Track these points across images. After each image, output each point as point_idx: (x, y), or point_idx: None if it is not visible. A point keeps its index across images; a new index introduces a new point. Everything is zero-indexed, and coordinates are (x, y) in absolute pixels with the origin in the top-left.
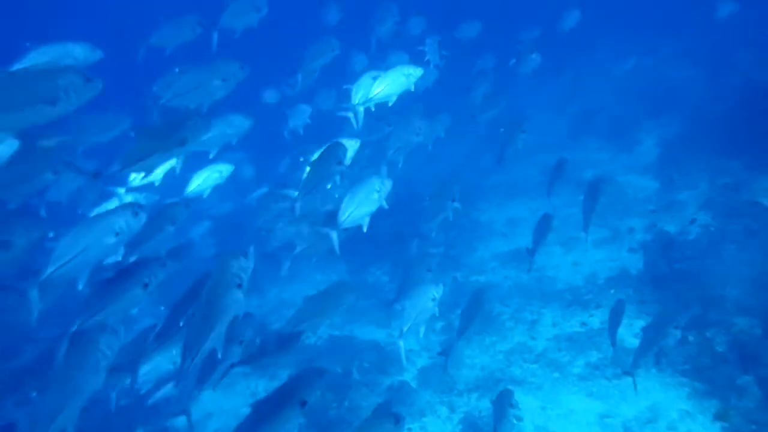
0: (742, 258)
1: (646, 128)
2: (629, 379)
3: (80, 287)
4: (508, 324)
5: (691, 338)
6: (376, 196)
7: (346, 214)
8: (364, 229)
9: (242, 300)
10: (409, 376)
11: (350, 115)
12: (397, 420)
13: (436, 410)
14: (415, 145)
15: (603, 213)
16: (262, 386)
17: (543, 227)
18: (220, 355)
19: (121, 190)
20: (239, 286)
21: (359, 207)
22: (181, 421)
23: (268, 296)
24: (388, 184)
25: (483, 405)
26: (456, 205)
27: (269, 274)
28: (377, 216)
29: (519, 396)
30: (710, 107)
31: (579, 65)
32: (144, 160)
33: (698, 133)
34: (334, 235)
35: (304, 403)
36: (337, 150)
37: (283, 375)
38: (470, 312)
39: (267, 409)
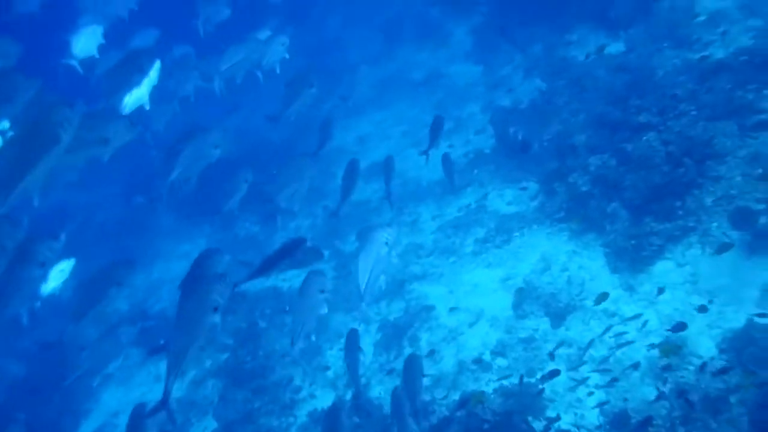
0: (573, 106)
1: (454, 20)
2: (517, 241)
3: None
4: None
5: (558, 188)
6: (386, 250)
7: (367, 289)
8: (383, 287)
9: (218, 323)
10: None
11: None
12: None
13: (348, 326)
14: None
15: (441, 106)
16: (163, 368)
17: (436, 128)
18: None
19: None
20: (216, 309)
21: (375, 276)
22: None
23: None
24: (394, 232)
25: (394, 308)
26: (313, 90)
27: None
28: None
29: (425, 288)
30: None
31: None
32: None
33: (501, 13)
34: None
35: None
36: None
37: None
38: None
39: None
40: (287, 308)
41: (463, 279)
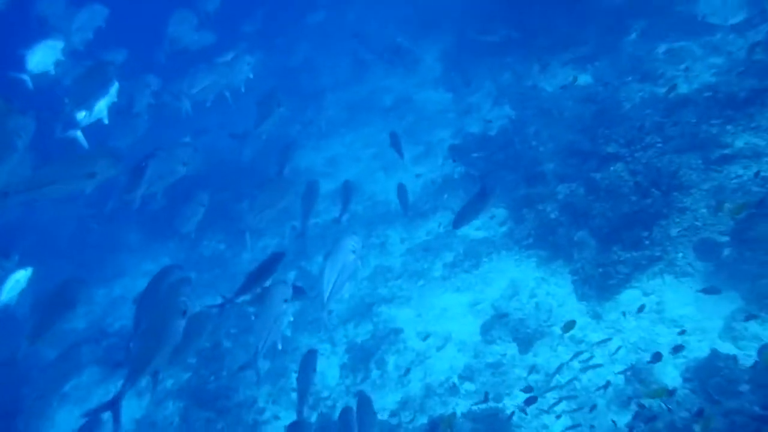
0: (542, 135)
1: (423, 47)
2: (486, 266)
3: None
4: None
5: (526, 215)
6: (352, 258)
7: (331, 295)
8: (346, 295)
9: (183, 326)
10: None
11: None
12: None
13: (318, 348)
14: None
15: (411, 131)
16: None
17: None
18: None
19: None
20: (184, 313)
21: (340, 283)
22: None
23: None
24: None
25: (362, 330)
26: (282, 109)
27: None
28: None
29: (393, 311)
30: (470, 17)
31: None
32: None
33: (469, 42)
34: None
35: None
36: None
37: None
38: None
39: None
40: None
41: (432, 303)
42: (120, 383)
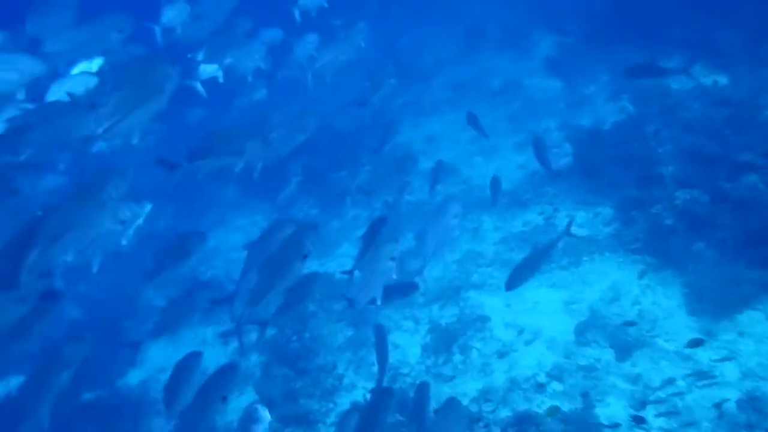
0: (663, 135)
1: (540, 32)
2: (586, 266)
3: None
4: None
5: (637, 217)
6: (454, 223)
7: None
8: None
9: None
10: None
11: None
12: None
13: (401, 325)
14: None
15: (516, 118)
16: (210, 333)
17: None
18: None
19: None
20: (305, 257)
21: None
22: (133, 378)
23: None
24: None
25: (447, 313)
26: (392, 81)
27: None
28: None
29: (482, 298)
30: (595, 5)
31: None
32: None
33: (590, 31)
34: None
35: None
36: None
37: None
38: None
39: None
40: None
41: (523, 295)
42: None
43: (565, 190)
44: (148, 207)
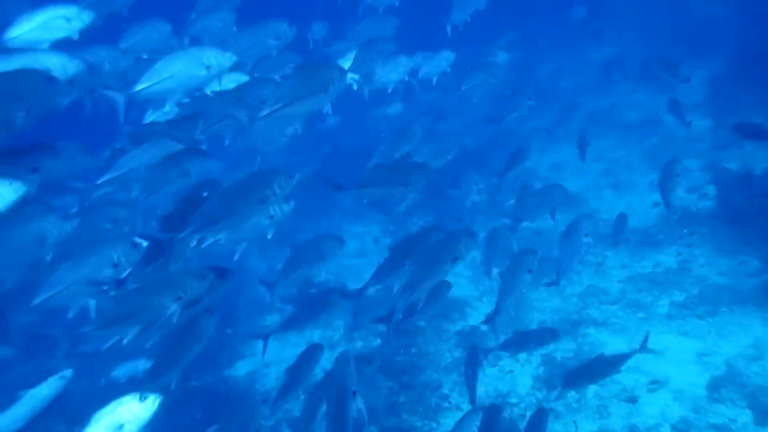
0: None
1: (685, 67)
2: (724, 317)
3: None
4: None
5: None
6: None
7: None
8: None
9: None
10: (476, 320)
11: None
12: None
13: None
14: None
15: (653, 154)
16: (317, 336)
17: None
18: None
19: None
20: (455, 260)
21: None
22: (240, 369)
23: None
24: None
25: (563, 347)
26: (531, 102)
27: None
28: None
29: (603, 336)
30: (754, 45)
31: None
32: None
33: (743, 71)
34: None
35: None
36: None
37: (339, 324)
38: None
39: None
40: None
41: (650, 339)
42: None
43: (704, 234)
44: (292, 205)
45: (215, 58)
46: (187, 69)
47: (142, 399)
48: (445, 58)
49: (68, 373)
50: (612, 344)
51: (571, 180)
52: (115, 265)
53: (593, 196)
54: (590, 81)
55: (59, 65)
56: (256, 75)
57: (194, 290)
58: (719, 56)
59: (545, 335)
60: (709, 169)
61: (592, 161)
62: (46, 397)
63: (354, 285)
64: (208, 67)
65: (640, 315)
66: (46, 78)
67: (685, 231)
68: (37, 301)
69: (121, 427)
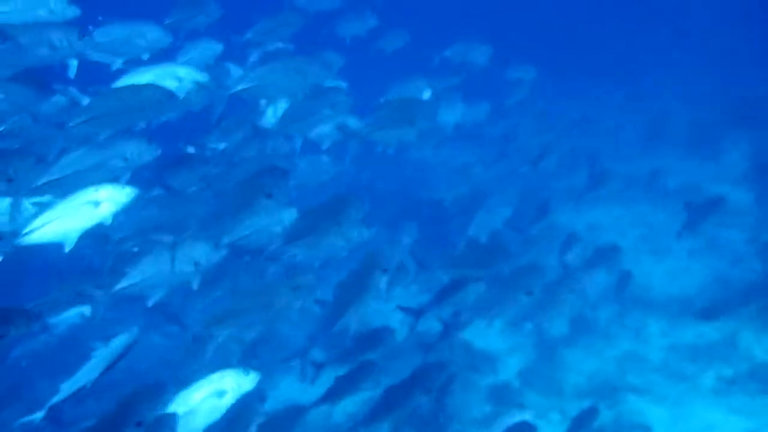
0: None
1: (731, 138)
2: None
3: None
4: (611, 330)
5: None
6: None
7: None
8: None
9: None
10: (507, 375)
11: None
12: None
13: (545, 414)
14: None
15: (695, 223)
16: None
17: None
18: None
19: None
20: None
21: None
22: None
23: None
24: None
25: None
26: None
27: None
28: None
29: (643, 405)
30: None
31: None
32: None
33: None
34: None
35: None
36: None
37: None
38: None
39: None
40: None
41: (695, 412)
42: None
43: (751, 310)
44: (373, 231)
45: (315, 68)
46: (287, 77)
47: (246, 373)
48: (482, 109)
49: (135, 330)
50: (654, 414)
51: (607, 239)
52: (196, 264)
53: (631, 261)
54: (631, 141)
55: (187, 76)
56: None
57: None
58: (763, 130)
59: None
60: (753, 243)
61: (632, 225)
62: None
63: None
64: (304, 76)
65: (683, 386)
66: (167, 93)
67: (731, 302)
68: (119, 287)
69: (222, 393)
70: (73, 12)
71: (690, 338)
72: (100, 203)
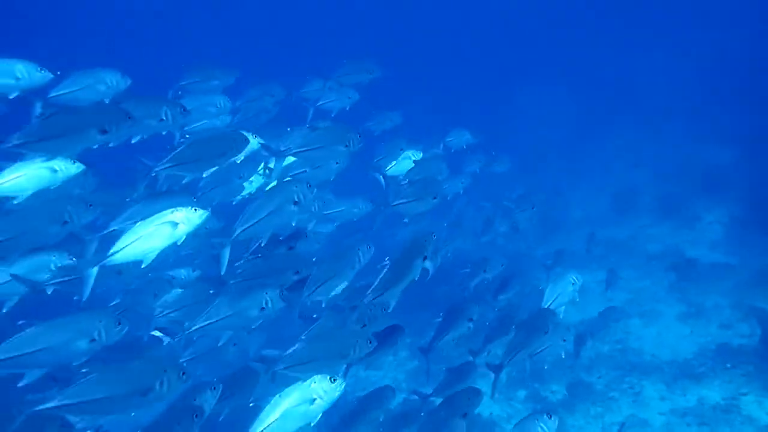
0: None
1: (703, 206)
2: None
3: None
4: (610, 394)
5: None
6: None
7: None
8: None
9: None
10: None
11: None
12: None
13: None
14: None
15: (681, 287)
16: None
17: None
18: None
19: None
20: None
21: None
22: None
23: None
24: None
25: None
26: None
27: None
28: None
29: None
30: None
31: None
32: None
33: (761, 212)
34: None
35: None
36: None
37: None
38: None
39: None
40: None
41: None
42: None
43: (750, 372)
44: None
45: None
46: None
47: (332, 381)
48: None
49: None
50: None
51: (595, 306)
52: (262, 309)
53: (620, 325)
54: (600, 209)
55: None
56: None
57: None
58: (734, 196)
59: None
60: (738, 308)
61: (619, 290)
62: None
63: None
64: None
65: None
66: (244, 139)
67: (728, 365)
68: (194, 327)
69: (313, 401)
70: (125, 83)
71: (691, 402)
72: (177, 224)
